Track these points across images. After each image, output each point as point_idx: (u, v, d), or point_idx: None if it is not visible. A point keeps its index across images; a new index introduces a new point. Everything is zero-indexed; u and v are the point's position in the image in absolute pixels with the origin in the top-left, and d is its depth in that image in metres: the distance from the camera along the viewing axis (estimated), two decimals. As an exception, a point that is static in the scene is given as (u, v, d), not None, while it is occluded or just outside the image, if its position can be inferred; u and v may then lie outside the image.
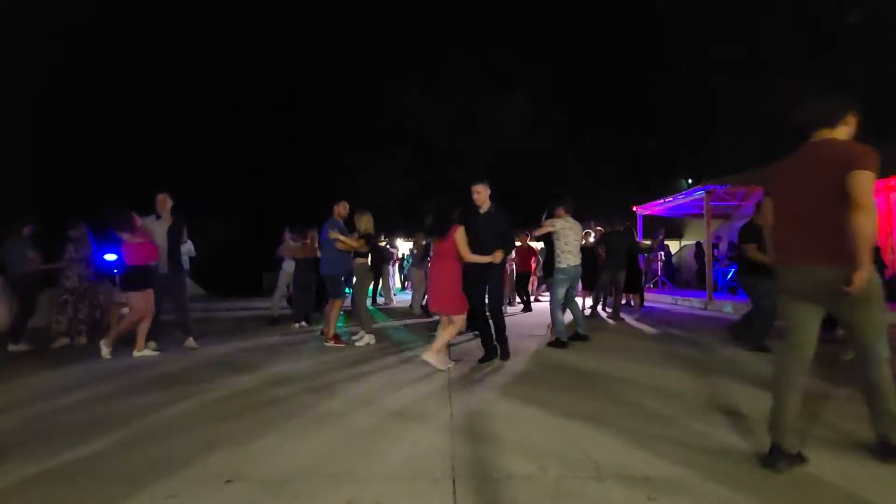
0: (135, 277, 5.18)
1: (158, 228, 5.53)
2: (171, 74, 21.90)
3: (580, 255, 5.54)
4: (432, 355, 4.38)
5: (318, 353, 5.36)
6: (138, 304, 5.14)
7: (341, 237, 5.73)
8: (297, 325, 7.47)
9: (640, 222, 14.27)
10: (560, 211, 5.59)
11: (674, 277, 15.23)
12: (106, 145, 19.10)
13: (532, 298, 10.64)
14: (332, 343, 5.72)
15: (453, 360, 4.66)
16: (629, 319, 8.21)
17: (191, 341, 5.64)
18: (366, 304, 6.08)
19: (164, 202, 5.62)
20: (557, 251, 5.49)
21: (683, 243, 17.62)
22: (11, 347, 5.63)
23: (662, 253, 14.58)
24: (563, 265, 5.46)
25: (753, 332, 5.29)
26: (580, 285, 9.42)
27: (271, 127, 23.76)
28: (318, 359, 5.01)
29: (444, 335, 4.52)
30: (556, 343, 5.49)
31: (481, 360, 4.69)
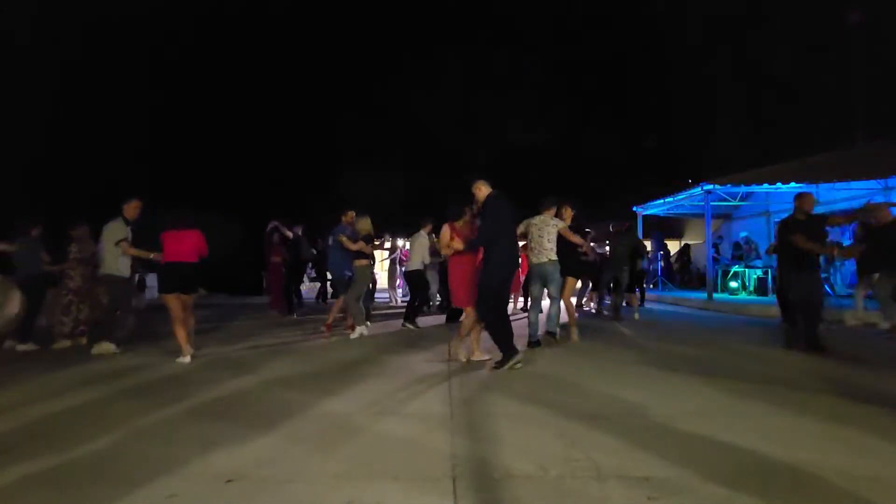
0: (165, 277, 5.12)
1: (128, 234, 5.53)
2: (172, 75, 21.93)
3: (546, 252, 5.31)
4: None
5: (318, 352, 5.36)
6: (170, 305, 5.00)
7: (343, 239, 6.37)
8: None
9: (640, 222, 14.27)
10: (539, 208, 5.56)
11: (673, 277, 15.23)
12: (107, 145, 19.11)
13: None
14: (324, 329, 6.63)
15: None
16: (629, 319, 8.20)
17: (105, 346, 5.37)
18: (358, 300, 6.41)
19: (138, 209, 5.59)
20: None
21: (683, 243, 17.61)
22: (19, 347, 5.63)
23: (662, 253, 14.57)
24: (530, 262, 5.54)
25: (806, 331, 5.10)
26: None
27: (271, 127, 23.77)
28: (318, 358, 5.01)
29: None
30: (546, 334, 5.53)
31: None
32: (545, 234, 5.35)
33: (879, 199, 10.57)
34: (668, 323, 8.05)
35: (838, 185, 10.08)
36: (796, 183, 9.94)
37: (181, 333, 4.92)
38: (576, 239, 5.57)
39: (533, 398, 3.47)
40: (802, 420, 2.97)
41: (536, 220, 5.46)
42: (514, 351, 4.40)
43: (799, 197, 5.37)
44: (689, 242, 15.88)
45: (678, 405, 3.28)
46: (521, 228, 5.45)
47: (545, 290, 5.52)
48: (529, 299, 5.71)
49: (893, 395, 3.51)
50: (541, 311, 5.55)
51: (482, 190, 4.56)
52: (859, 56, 14.71)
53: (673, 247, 17.12)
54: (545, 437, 2.71)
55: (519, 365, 4.32)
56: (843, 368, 4.38)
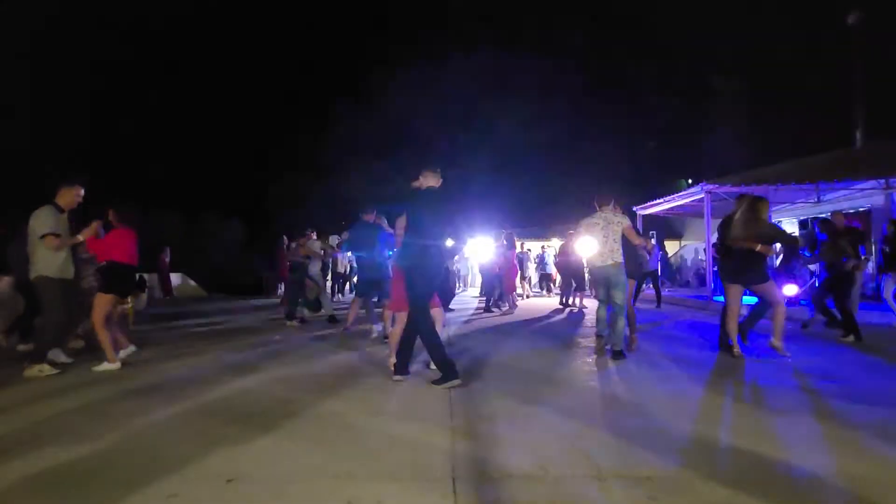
0: (120, 278, 4.70)
1: (64, 225, 4.59)
2: (172, 76, 21.94)
3: (612, 253, 4.76)
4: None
5: (318, 352, 5.36)
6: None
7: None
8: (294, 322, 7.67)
9: (640, 222, 14.26)
10: (595, 205, 5.04)
11: (673, 278, 15.21)
12: (109, 146, 19.12)
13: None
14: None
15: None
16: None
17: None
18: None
19: (78, 198, 4.71)
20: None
21: (683, 243, 17.62)
22: (20, 347, 5.62)
23: (661, 253, 14.54)
24: (588, 266, 5.20)
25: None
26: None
27: (270, 128, 23.77)
28: (318, 358, 5.01)
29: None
30: (614, 354, 4.75)
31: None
32: (610, 233, 4.77)
33: (879, 199, 10.59)
34: (667, 323, 8.04)
35: (838, 185, 10.08)
36: (796, 183, 9.93)
37: (110, 337, 4.58)
38: (639, 240, 5.04)
39: (533, 398, 3.47)
40: (803, 419, 2.97)
41: (597, 217, 4.88)
42: (405, 368, 3.94)
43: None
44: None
45: (678, 405, 3.28)
46: (581, 230, 5.04)
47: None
48: (598, 301, 5.32)
49: (894, 395, 3.51)
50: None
51: (422, 181, 4.08)
52: (859, 56, 14.71)
53: (672, 247, 17.12)
54: (545, 437, 2.71)
55: (399, 379, 3.89)
56: (843, 368, 4.38)
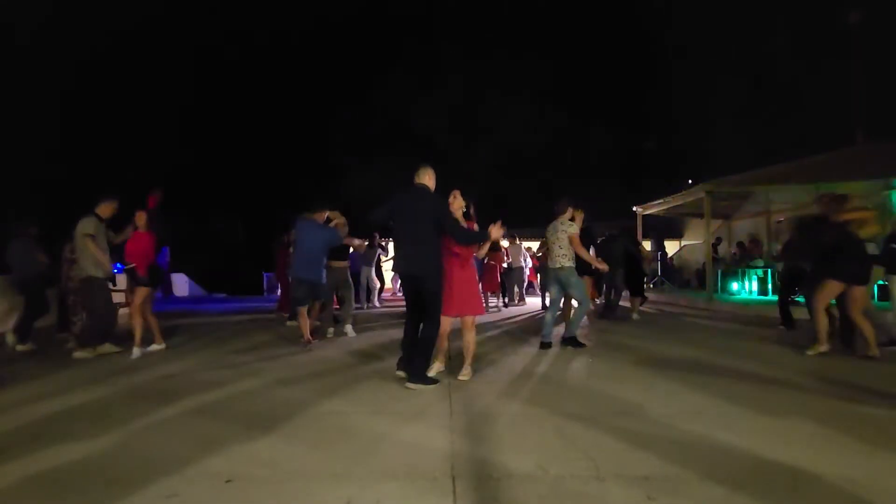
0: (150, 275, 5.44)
1: (103, 231, 5.39)
2: (173, 76, 21.93)
3: (560, 257, 5.24)
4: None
5: (318, 353, 5.35)
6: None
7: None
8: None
9: (640, 222, 14.25)
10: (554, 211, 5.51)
11: (673, 278, 15.20)
12: (110, 146, 19.13)
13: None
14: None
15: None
16: (627, 319, 8.19)
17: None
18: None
19: (113, 210, 5.51)
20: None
21: (683, 243, 17.60)
22: (19, 347, 5.63)
23: (659, 253, 14.53)
24: (547, 266, 5.51)
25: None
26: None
27: (272, 128, 23.77)
28: (318, 359, 5.00)
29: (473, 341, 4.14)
30: (541, 344, 5.38)
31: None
32: (556, 239, 5.30)
33: (879, 199, 10.56)
34: (666, 324, 8.05)
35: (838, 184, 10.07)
36: (796, 183, 9.92)
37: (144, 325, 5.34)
38: (581, 252, 5.33)
39: (532, 398, 3.47)
40: (802, 420, 2.97)
41: (554, 224, 5.41)
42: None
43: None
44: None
45: (677, 405, 3.28)
46: (546, 236, 5.51)
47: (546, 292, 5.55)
48: (548, 300, 5.70)
49: (892, 395, 3.51)
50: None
51: (432, 178, 4.14)
52: (860, 56, 14.71)
53: (672, 247, 17.08)
54: (544, 436, 2.71)
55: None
56: (843, 368, 4.38)
